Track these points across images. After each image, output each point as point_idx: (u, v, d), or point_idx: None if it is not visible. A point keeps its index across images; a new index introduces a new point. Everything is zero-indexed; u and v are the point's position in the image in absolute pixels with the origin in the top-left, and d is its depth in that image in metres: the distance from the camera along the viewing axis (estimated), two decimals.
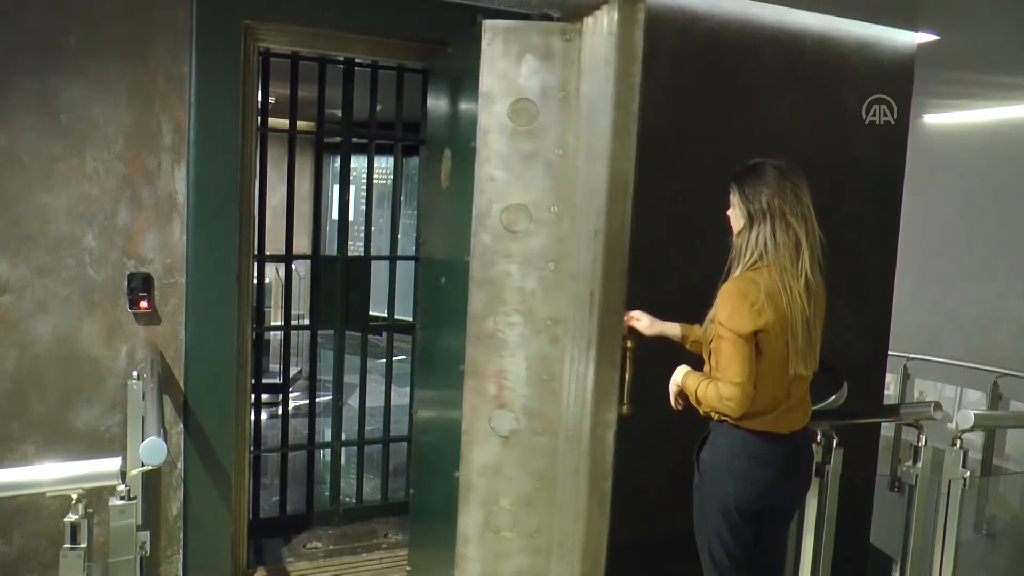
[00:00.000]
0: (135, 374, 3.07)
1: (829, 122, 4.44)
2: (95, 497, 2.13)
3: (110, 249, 3.11)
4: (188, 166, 3.19)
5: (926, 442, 3.11)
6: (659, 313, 4.11)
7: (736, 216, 2.48)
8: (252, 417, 3.83)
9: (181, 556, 3.34)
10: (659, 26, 3.95)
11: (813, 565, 3.21)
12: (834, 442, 3.08)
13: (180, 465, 3.30)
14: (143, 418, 2.92)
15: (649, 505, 3.93)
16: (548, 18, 3.53)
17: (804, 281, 2.36)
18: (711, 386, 2.42)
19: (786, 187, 2.39)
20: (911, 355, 6.14)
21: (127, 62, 3.07)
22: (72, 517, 2.06)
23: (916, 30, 4.53)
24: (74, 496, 2.07)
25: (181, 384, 3.27)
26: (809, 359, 2.41)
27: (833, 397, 3.40)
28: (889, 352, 4.97)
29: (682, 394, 2.64)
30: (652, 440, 4.17)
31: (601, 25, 2.60)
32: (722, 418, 2.46)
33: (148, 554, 2.28)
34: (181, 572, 3.35)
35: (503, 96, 2.81)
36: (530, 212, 2.85)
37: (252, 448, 3.83)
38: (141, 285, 3.15)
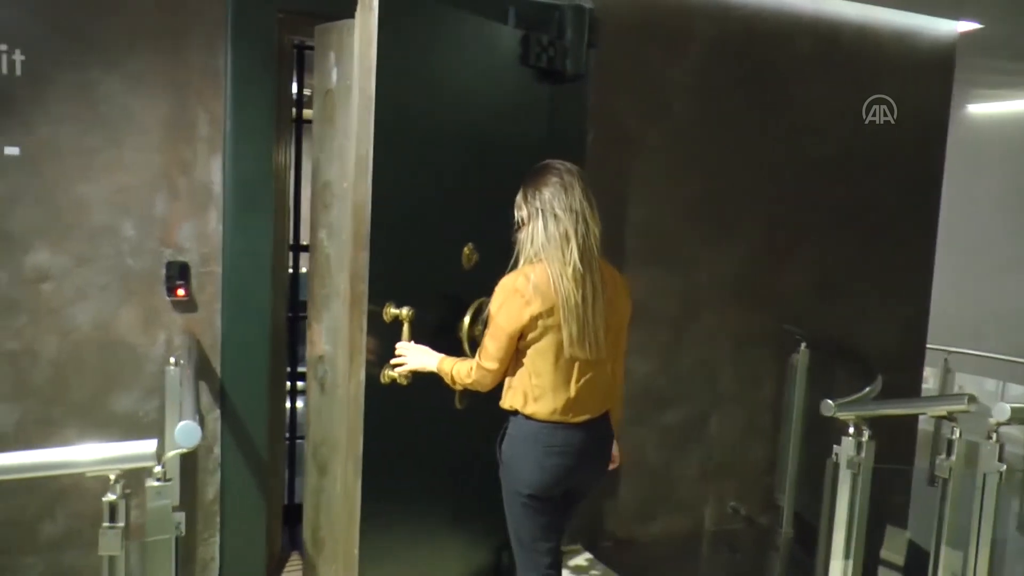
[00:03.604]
0: (172, 360, 3.13)
1: (867, 112, 4.40)
2: (134, 481, 2.19)
3: (147, 238, 3.17)
4: (224, 157, 3.24)
5: (960, 435, 3.07)
6: (693, 303, 4.12)
7: (519, 215, 2.60)
8: (288, 404, 3.91)
9: (218, 539, 3.41)
10: (691, 16, 3.95)
11: (844, 559, 3.19)
12: (865, 434, 3.06)
13: (216, 450, 3.36)
14: (180, 403, 3.00)
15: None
16: (581, 9, 3.52)
17: (572, 270, 2.48)
18: (464, 365, 2.63)
19: (557, 184, 2.53)
20: (952, 349, 6.04)
21: (164, 55, 3.12)
22: (110, 497, 2.12)
23: (958, 18, 4.46)
24: (112, 476, 2.12)
25: (217, 371, 3.33)
26: (588, 344, 2.52)
27: (867, 389, 3.38)
28: (929, 346, 4.92)
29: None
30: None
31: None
32: (517, 411, 2.60)
33: (183, 534, 2.33)
34: (217, 555, 3.41)
35: (320, 88, 3.24)
36: (332, 188, 3.21)
37: (287, 435, 3.90)
38: (178, 273, 3.21)
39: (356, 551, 2.95)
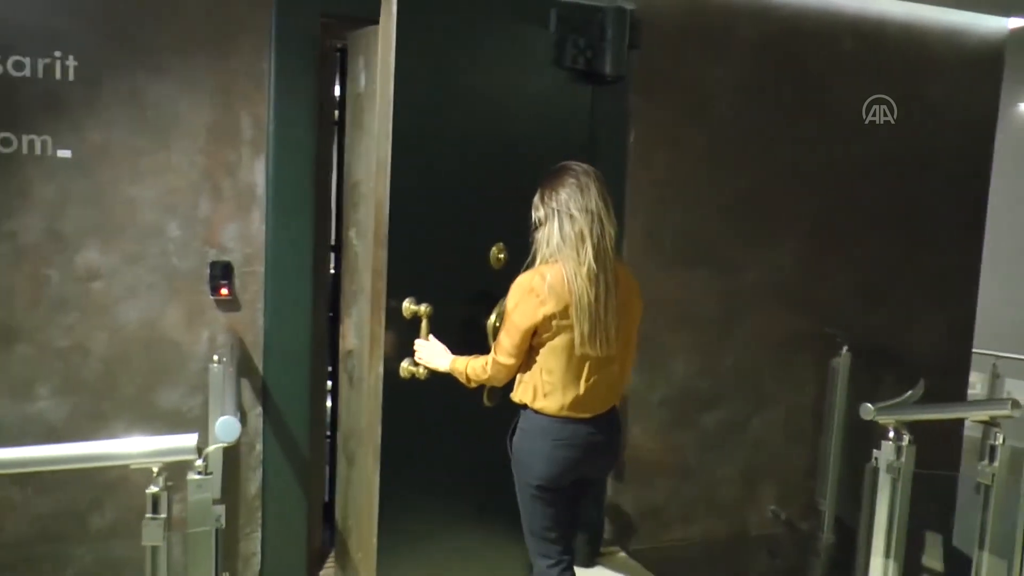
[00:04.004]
0: (216, 358, 3.19)
1: (911, 112, 4.34)
2: (177, 475, 2.25)
3: (193, 238, 3.25)
4: (267, 159, 3.31)
5: (1004, 441, 3.02)
6: (735, 305, 4.11)
7: (536, 216, 2.66)
8: (329, 402, 3.96)
9: (259, 534, 3.48)
10: (733, 15, 3.93)
11: (884, 565, 3.15)
12: (906, 439, 3.03)
13: (258, 446, 3.43)
14: (222, 400, 3.06)
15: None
16: (622, 11, 3.54)
17: (586, 269, 2.53)
18: (478, 362, 2.71)
19: (574, 185, 2.58)
20: (1000, 354, 5.92)
21: (210, 60, 3.20)
22: (153, 489, 2.18)
23: (1009, 15, 4.37)
24: (155, 469, 2.19)
25: (260, 368, 3.40)
26: (599, 342, 2.57)
27: (908, 393, 3.33)
28: (976, 350, 4.83)
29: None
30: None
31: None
32: (526, 405, 2.68)
33: (223, 527, 2.39)
34: (259, 550, 3.48)
35: (352, 91, 3.43)
36: (360, 188, 3.35)
37: (328, 432, 3.96)
38: (222, 273, 3.28)
39: (375, 540, 3.05)
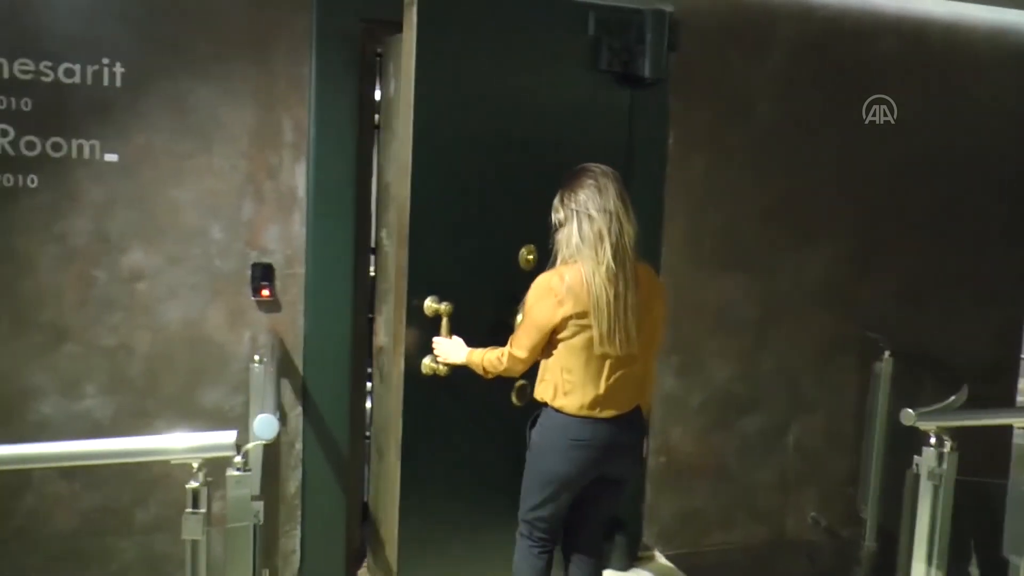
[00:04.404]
0: (256, 358, 3.25)
1: (954, 114, 4.27)
2: (217, 473, 2.29)
3: (234, 240, 3.31)
4: (308, 162, 3.36)
5: None
6: (774, 308, 4.07)
7: (556, 217, 2.72)
8: (368, 403, 4.00)
9: (299, 532, 3.53)
10: (773, 17, 3.90)
11: (927, 573, 3.10)
12: (947, 445, 2.98)
13: (298, 446, 3.48)
14: (262, 398, 3.11)
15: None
16: (661, 13, 3.53)
17: (605, 268, 2.57)
18: (493, 353, 2.79)
19: (592, 186, 2.63)
20: None
21: (251, 65, 3.26)
22: (193, 484, 2.23)
23: None
24: (195, 464, 2.24)
25: (300, 369, 3.45)
26: (618, 340, 2.61)
27: (951, 399, 3.28)
28: None
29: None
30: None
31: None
32: (547, 403, 2.73)
33: (261, 523, 2.43)
34: (298, 548, 3.53)
35: (384, 96, 3.52)
36: (391, 190, 3.42)
37: (367, 433, 3.99)
38: (263, 274, 3.34)
39: (396, 532, 3.13)
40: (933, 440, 3.00)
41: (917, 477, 3.08)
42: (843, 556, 4.34)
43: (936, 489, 3.02)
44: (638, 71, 3.49)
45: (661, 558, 3.99)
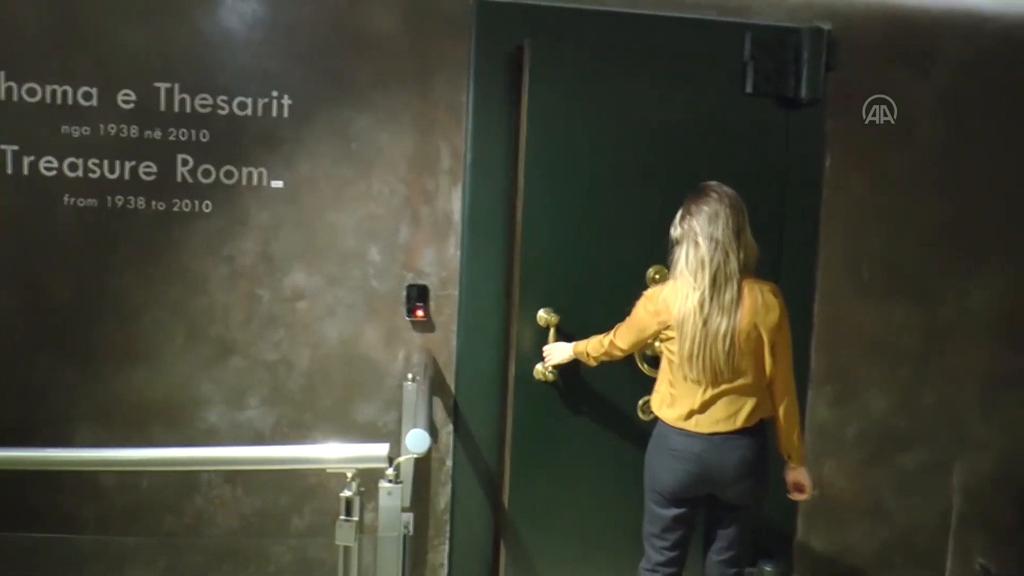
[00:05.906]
0: (410, 376, 3.35)
1: None
2: (370, 484, 2.38)
3: (391, 263, 3.44)
4: (463, 187, 3.45)
5: None
6: (938, 338, 3.86)
7: (674, 234, 2.85)
8: None
9: (447, 547, 3.60)
10: (938, 33, 3.73)
11: None
12: None
13: (448, 462, 3.56)
14: (415, 415, 3.21)
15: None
16: (819, 31, 3.46)
17: (699, 295, 2.69)
18: (595, 340, 3.08)
19: (706, 212, 2.74)
20: None
21: (410, 94, 3.39)
22: (347, 492, 2.32)
23: None
24: (349, 474, 2.32)
25: (452, 388, 3.53)
26: (701, 366, 2.71)
27: None
28: None
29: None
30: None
31: None
32: (656, 413, 2.92)
33: (411, 534, 2.50)
34: (447, 561, 3.60)
35: None
36: None
37: None
38: (418, 295, 3.45)
39: (501, 539, 3.47)
40: None
41: None
42: None
43: None
44: (795, 92, 3.43)
45: None
